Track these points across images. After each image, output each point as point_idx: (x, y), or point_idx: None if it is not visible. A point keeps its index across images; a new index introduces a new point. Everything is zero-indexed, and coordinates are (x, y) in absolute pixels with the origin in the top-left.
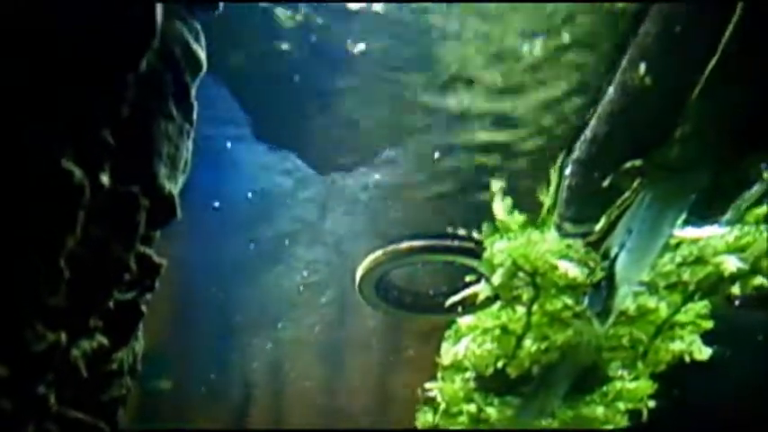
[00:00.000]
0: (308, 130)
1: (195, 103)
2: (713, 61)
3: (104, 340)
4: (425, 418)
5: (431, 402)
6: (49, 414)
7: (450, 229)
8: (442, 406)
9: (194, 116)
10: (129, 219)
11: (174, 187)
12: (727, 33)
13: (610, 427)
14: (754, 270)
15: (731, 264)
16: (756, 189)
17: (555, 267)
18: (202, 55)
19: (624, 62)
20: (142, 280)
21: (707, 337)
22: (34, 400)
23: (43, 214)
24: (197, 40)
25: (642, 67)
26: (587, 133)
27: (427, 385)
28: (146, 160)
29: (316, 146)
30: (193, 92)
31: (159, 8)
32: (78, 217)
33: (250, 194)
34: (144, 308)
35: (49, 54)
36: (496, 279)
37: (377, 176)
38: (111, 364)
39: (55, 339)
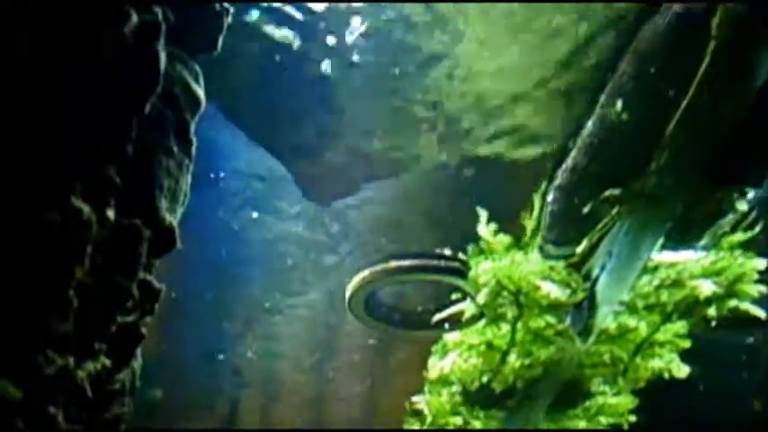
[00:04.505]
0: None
1: (194, 139)
2: (686, 100)
3: (107, 362)
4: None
5: (418, 415)
6: None
7: (438, 250)
8: (429, 418)
9: (193, 151)
10: (133, 249)
11: (173, 219)
12: (699, 74)
13: None
14: (729, 294)
15: (706, 288)
16: (730, 218)
17: (538, 288)
18: (201, 94)
19: (602, 98)
20: (143, 304)
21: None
22: (45, 420)
23: (54, 249)
24: (196, 80)
25: (619, 104)
26: (568, 162)
27: (414, 398)
28: (148, 194)
29: (316, 179)
30: (192, 128)
31: (163, 57)
32: (86, 250)
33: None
34: (144, 330)
35: (61, 101)
36: (481, 298)
37: (370, 195)
38: (113, 385)
39: (63, 363)
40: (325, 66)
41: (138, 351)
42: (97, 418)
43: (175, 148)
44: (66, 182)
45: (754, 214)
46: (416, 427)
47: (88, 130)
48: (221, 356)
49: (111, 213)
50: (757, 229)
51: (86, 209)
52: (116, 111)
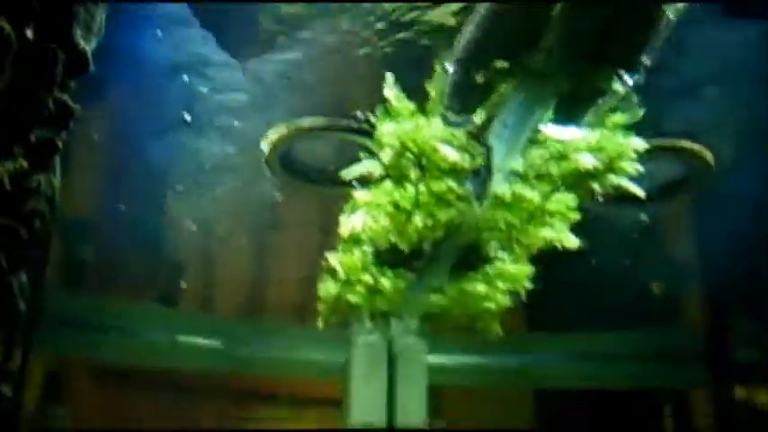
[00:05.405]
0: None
1: None
2: None
3: (25, 164)
4: (327, 287)
5: (331, 272)
6: None
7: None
8: (342, 276)
9: None
10: (49, 68)
11: (87, 46)
12: None
13: (492, 304)
14: (609, 169)
15: (588, 161)
16: (611, 98)
17: (438, 151)
18: None
19: None
20: (58, 120)
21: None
22: None
23: None
24: None
25: None
26: (465, 35)
27: (328, 255)
28: (64, 23)
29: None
30: None
31: None
32: (5, 62)
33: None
34: (59, 144)
35: None
36: (385, 157)
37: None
38: (30, 183)
39: None
40: None
41: (57, 168)
42: (15, 210)
43: None
44: None
45: (636, 99)
46: (331, 284)
47: None
48: (156, 223)
49: (30, 34)
50: (640, 113)
51: (7, 27)
52: None
